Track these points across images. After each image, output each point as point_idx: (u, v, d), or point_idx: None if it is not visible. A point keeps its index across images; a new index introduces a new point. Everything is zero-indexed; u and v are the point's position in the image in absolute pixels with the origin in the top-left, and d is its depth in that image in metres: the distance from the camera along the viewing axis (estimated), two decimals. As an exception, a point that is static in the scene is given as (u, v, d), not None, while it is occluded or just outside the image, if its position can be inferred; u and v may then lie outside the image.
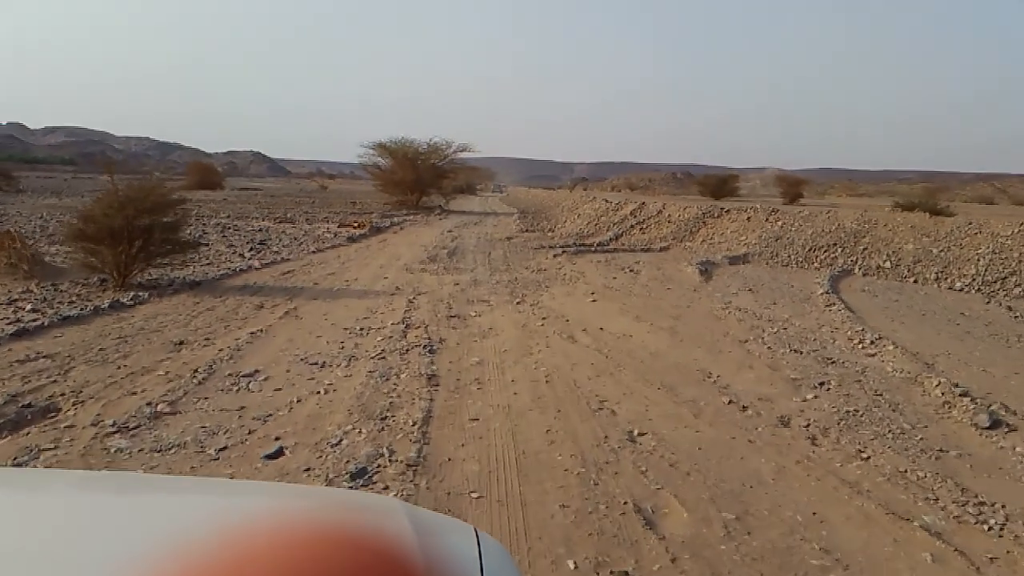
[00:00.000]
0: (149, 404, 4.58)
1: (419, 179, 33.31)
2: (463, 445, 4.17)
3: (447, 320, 7.82)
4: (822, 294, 10.99)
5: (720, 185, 37.55)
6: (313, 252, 13.61)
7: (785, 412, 5.12)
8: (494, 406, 4.91)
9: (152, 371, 5.34)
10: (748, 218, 17.85)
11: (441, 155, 34.88)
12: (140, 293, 8.16)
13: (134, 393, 4.82)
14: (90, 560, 0.80)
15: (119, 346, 6.02)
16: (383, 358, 5.98)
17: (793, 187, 37.35)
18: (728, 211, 18.57)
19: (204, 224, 18.92)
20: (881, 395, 5.73)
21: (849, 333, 8.14)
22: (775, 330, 8.10)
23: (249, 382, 5.15)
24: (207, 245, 13.91)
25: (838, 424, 4.94)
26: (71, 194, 33.92)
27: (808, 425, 4.88)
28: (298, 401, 4.79)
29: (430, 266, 12.43)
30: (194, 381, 5.11)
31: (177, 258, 9.32)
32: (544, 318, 8.15)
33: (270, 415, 4.49)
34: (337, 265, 12.02)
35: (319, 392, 5.01)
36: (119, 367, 5.40)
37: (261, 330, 6.82)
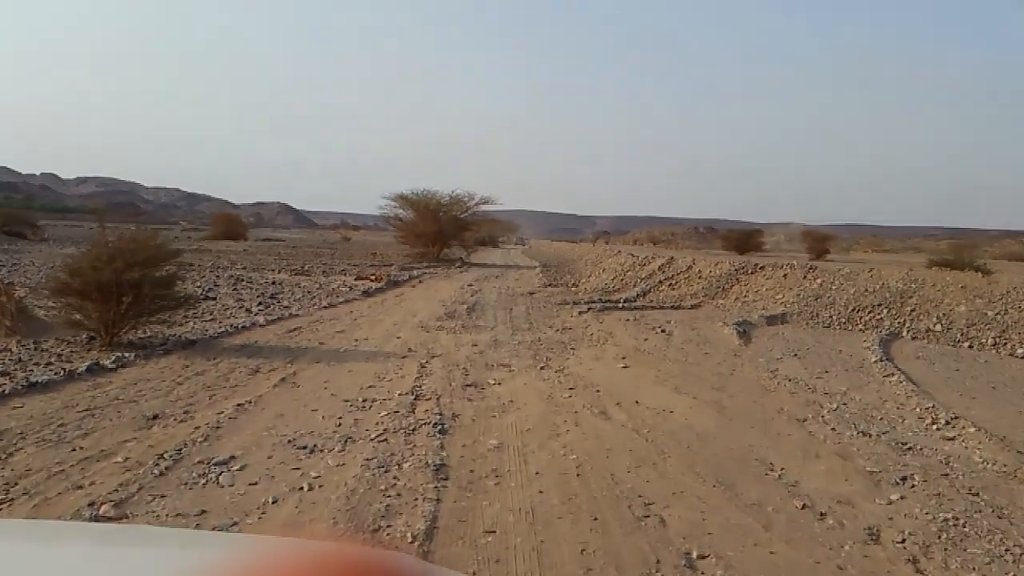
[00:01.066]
0: (92, 504, 3.72)
1: (441, 231, 32.76)
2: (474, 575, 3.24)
3: (462, 390, 6.93)
4: (876, 361, 9.97)
5: (745, 240, 36.89)
6: (325, 307, 12.85)
7: (872, 521, 4.14)
8: (515, 510, 3.98)
9: (111, 456, 4.50)
10: (784, 275, 16.87)
11: (463, 207, 34.39)
12: (126, 355, 7.38)
13: (80, 487, 3.96)
14: None
15: (83, 421, 5.19)
16: (385, 440, 5.08)
17: (819, 243, 36.41)
18: (763, 267, 17.61)
19: (218, 275, 18.36)
20: (979, 495, 4.73)
21: (918, 411, 7.13)
22: (834, 406, 7.11)
23: (220, 473, 4.28)
24: (214, 299, 13.24)
25: (939, 539, 3.95)
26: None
27: (903, 541, 3.89)
28: (273, 502, 3.90)
29: (447, 324, 11.59)
30: (155, 471, 4.26)
31: (170, 315, 8.54)
32: (571, 388, 7.24)
33: (235, 523, 3.60)
34: (348, 322, 11.23)
35: (302, 488, 4.11)
36: (74, 450, 4.57)
37: (250, 401, 5.96)
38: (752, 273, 17.63)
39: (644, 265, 20.73)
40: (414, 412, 5.93)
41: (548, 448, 5.18)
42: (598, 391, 7.17)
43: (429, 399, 6.43)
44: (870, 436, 6.10)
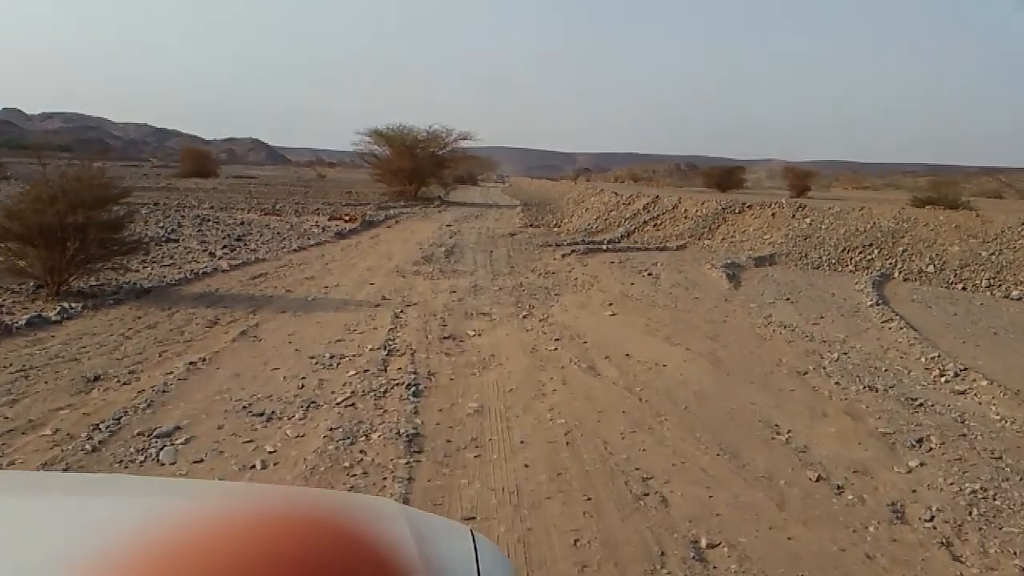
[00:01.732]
0: (5, 491, 3.19)
1: (418, 168, 31.66)
2: None
3: (439, 343, 6.41)
4: (871, 305, 9.59)
5: (726, 177, 36.41)
6: (294, 250, 12.18)
7: (894, 495, 3.73)
8: (498, 490, 3.50)
9: (39, 428, 3.94)
10: (773, 214, 16.37)
11: (441, 143, 33.21)
12: (72, 305, 6.75)
13: (-7, 468, 3.43)
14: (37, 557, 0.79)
15: (13, 385, 4.61)
16: (352, 405, 4.55)
17: (800, 180, 35.89)
18: (750, 206, 17.08)
19: (183, 215, 17.52)
20: (1002, 460, 4.34)
21: (923, 361, 6.76)
22: (835, 356, 6.71)
23: (162, 447, 3.75)
24: (176, 241, 12.51)
25: (970, 515, 3.55)
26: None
27: (932, 520, 3.48)
28: (220, 485, 3.40)
29: (424, 268, 11.02)
30: (88, 446, 3.71)
31: (123, 261, 7.84)
32: (557, 339, 6.75)
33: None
34: (319, 267, 10.60)
35: (254, 466, 3.59)
36: (-3, 420, 4.02)
37: (204, 359, 5.40)
38: (739, 212, 17.11)
39: (628, 204, 20.11)
40: (386, 370, 5.40)
41: (533, 411, 4.71)
42: (585, 342, 6.69)
43: (403, 354, 5.90)
44: (877, 391, 5.70)
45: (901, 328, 8.15)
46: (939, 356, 6.82)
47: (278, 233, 14.85)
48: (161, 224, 15.25)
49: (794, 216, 16.06)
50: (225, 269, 9.62)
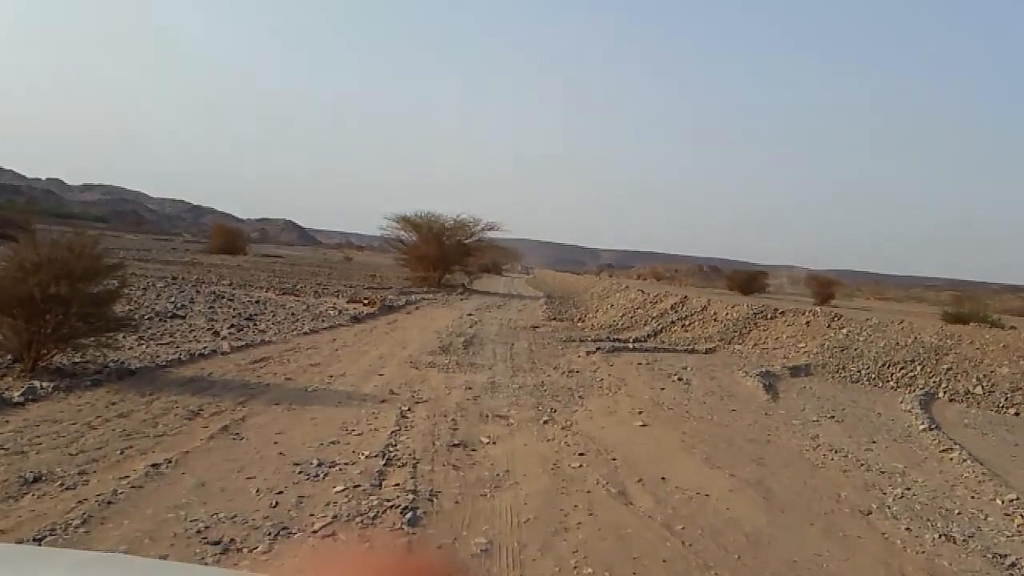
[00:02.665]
0: None
1: (443, 255, 31.39)
2: None
3: (448, 451, 5.59)
4: (924, 430, 8.66)
5: (749, 281, 36.27)
6: (305, 333, 11.53)
7: None
8: None
9: (-60, 544, 3.18)
10: (807, 323, 15.54)
11: (467, 232, 33.06)
12: (43, 385, 6.05)
13: None
14: None
15: (-67, 482, 3.88)
16: (331, 535, 3.72)
17: (824, 287, 35.84)
18: (782, 313, 16.29)
19: (198, 291, 17.08)
20: None
21: (999, 503, 5.84)
22: (898, 492, 5.80)
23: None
24: (183, 317, 11.94)
25: None
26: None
27: None
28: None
29: (440, 359, 10.28)
30: (-11, 577, 2.95)
31: (105, 338, 7.18)
32: (582, 453, 5.91)
33: None
34: (327, 352, 9.91)
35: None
36: None
37: (170, 460, 4.61)
38: (771, 318, 16.32)
39: (655, 303, 19.41)
40: (380, 486, 4.57)
41: (554, 552, 3.84)
42: (614, 459, 5.84)
43: (404, 465, 5.08)
44: (955, 541, 4.80)
45: (965, 460, 7.21)
46: (1017, 499, 5.88)
47: (292, 314, 14.27)
48: (173, 299, 14.77)
49: (829, 326, 15.23)
50: (225, 351, 8.96)
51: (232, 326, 11.53)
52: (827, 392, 11.09)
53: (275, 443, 5.30)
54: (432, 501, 4.43)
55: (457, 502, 4.48)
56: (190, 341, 9.62)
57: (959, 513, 5.51)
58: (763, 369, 12.09)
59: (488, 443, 6.00)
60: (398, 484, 4.64)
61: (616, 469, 5.57)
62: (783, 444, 7.17)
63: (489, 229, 33.39)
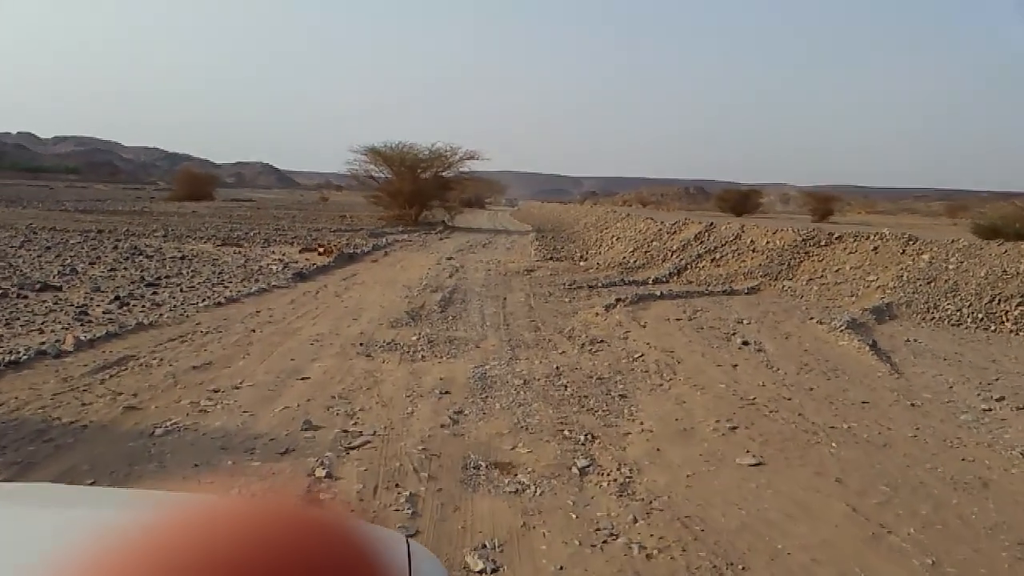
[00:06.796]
0: None
1: (419, 191, 27.80)
2: None
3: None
4: None
5: (742, 200, 34.88)
6: (218, 303, 8.24)
7: None
8: None
9: None
10: (875, 248, 12.34)
11: (445, 163, 29.35)
12: None
13: None
14: None
15: None
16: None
17: (823, 204, 34.16)
18: (840, 238, 13.08)
19: (116, 246, 13.73)
20: None
21: None
22: None
23: None
24: (58, 288, 8.65)
25: None
26: (43, 203, 29.29)
27: None
28: None
29: (405, 335, 7.10)
30: None
31: None
32: (671, 555, 2.81)
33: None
34: (235, 337, 6.66)
35: None
36: None
37: None
38: (826, 245, 13.10)
39: (674, 233, 16.12)
40: None
41: None
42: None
43: None
44: None
45: None
46: None
47: (219, 273, 10.97)
48: (70, 259, 11.45)
49: (904, 251, 12.03)
50: (66, 350, 5.70)
51: (118, 299, 8.23)
52: (944, 346, 8.01)
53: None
54: None
55: None
56: (29, 332, 6.37)
57: None
58: (848, 316, 8.99)
59: (482, 569, 2.84)
60: None
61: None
62: (1005, 486, 4.07)
63: (468, 159, 29.71)
